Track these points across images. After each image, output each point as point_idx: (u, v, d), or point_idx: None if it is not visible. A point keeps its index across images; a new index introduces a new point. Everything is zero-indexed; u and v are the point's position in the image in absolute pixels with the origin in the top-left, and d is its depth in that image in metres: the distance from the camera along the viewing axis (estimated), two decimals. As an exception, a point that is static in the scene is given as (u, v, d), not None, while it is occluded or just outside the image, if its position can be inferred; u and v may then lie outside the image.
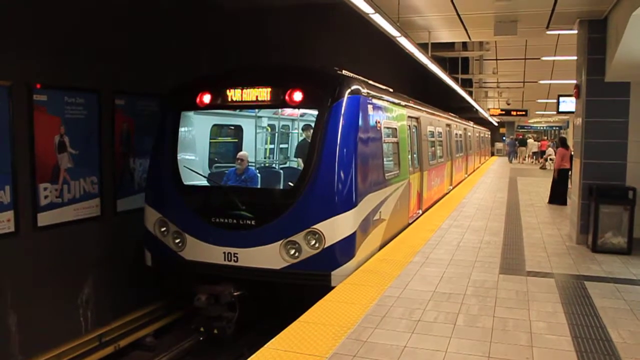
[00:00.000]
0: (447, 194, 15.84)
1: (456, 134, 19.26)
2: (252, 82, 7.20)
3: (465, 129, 22.66)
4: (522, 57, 19.60)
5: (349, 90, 7.00)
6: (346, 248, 6.64)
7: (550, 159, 25.28)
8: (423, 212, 11.65)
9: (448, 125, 17.11)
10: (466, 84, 24.81)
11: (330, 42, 14.22)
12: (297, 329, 4.88)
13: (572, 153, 11.67)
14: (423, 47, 11.49)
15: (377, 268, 6.98)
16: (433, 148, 13.84)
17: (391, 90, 9.74)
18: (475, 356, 4.34)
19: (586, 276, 6.89)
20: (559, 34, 12.87)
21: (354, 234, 6.69)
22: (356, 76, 7.76)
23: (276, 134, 10.84)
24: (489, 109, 35.66)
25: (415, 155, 11.17)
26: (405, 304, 5.62)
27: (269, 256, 6.61)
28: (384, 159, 8.24)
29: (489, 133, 40.21)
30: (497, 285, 6.35)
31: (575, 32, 9.23)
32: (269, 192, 7.74)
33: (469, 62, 23.07)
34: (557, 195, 13.98)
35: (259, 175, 8.29)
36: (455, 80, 18.51)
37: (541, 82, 23.95)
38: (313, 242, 6.51)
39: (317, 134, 6.83)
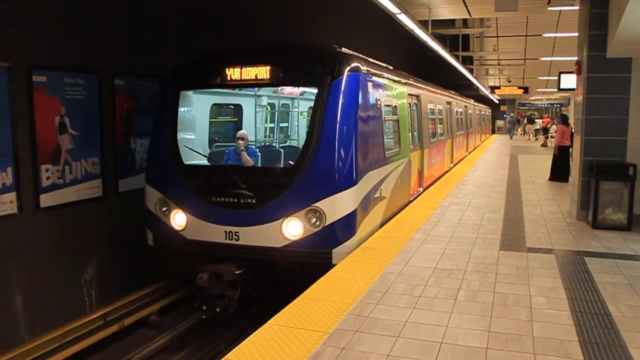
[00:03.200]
0: (447, 171, 15.74)
1: (457, 111, 19.07)
2: (251, 60, 7.11)
3: (465, 106, 22.43)
4: (523, 34, 19.51)
5: (348, 68, 6.91)
6: (347, 226, 6.62)
7: (552, 137, 25.27)
8: (424, 190, 11.63)
9: (448, 102, 16.93)
10: (467, 62, 24.71)
11: (329, 22, 14.11)
12: (300, 305, 4.94)
13: (573, 130, 11.66)
14: (423, 24, 11.43)
15: (379, 245, 7.03)
16: (433, 126, 13.71)
17: (391, 68, 9.66)
18: (476, 331, 4.40)
19: (586, 252, 6.93)
20: (560, 10, 12.79)
21: (354, 211, 6.67)
22: (356, 54, 7.67)
23: (276, 113, 10.82)
24: (489, 87, 35.50)
25: (415, 133, 11.09)
26: (406, 280, 5.67)
27: (270, 234, 6.61)
28: (384, 137, 8.18)
29: (490, 111, 39.99)
30: (497, 261, 6.40)
31: (577, 8, 9.17)
32: (269, 171, 7.74)
33: (470, 40, 22.97)
34: (558, 173, 13.99)
35: (259, 154, 8.25)
36: (456, 57, 18.44)
37: (542, 59, 23.88)
38: (314, 220, 6.50)
39: (316, 112, 6.78)
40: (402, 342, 4.20)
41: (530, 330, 4.40)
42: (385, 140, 8.19)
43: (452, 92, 19.58)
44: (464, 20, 18.99)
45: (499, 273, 5.93)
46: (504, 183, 13.44)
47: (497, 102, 45.79)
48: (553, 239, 7.61)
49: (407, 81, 10.50)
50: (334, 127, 6.60)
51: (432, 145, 12.87)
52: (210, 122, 8.90)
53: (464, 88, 27.83)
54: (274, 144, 10.10)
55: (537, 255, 6.72)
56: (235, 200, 6.77)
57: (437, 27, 17.20)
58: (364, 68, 7.31)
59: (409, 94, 10.43)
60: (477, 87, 30.46)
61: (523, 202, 10.68)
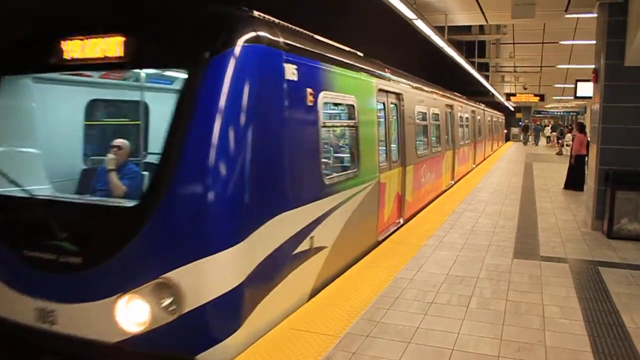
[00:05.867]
0: (446, 190, 13.17)
1: (461, 117, 16.33)
2: (98, 28, 4.43)
3: (473, 111, 19.75)
4: (539, 42, 19.40)
5: (245, 38, 4.20)
6: (225, 313, 4.04)
7: (567, 145, 25.08)
8: (406, 221, 8.97)
9: (449, 106, 14.07)
10: (482, 68, 24.63)
11: (343, 24, 14.11)
12: (311, 309, 4.94)
13: (589, 139, 11.57)
14: (439, 30, 11.42)
15: (391, 250, 7.01)
16: (425, 135, 11.03)
17: (360, 54, 7.22)
18: (487, 338, 4.38)
19: (600, 262, 6.87)
20: (577, 17, 12.71)
21: (239, 288, 4.02)
22: (269, 17, 4.84)
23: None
24: (505, 94, 35.35)
25: (394, 146, 8.57)
26: (418, 286, 5.66)
27: (98, 320, 4.06)
28: (324, 154, 5.71)
29: (503, 117, 38.51)
30: (510, 269, 6.36)
31: (595, 15, 9.10)
32: (104, 210, 4.42)
33: (486, 46, 22.90)
34: (574, 181, 13.87)
35: (144, 174, 5.40)
36: (472, 64, 18.39)
37: (559, 66, 23.73)
38: (167, 301, 3.90)
39: (181, 111, 4.00)
40: (413, 347, 4.19)
41: (543, 340, 4.37)
42: (325, 159, 5.71)
43: (457, 94, 16.81)
44: (481, 27, 18.94)
45: (512, 281, 5.89)
46: (518, 191, 13.35)
47: (512, 109, 45.55)
48: (567, 248, 7.54)
49: (378, 72, 7.71)
50: (208, 138, 3.90)
51: (421, 160, 10.16)
52: (87, 125, 6.03)
53: (480, 94, 27.72)
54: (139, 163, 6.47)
55: (550, 264, 6.67)
56: (52, 257, 4.19)
57: (454, 33, 17.17)
58: (277, 39, 4.59)
59: (381, 91, 7.68)
60: (493, 94, 30.32)
61: (537, 210, 10.60)
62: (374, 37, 15.69)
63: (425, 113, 10.82)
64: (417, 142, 10.09)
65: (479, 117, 21.56)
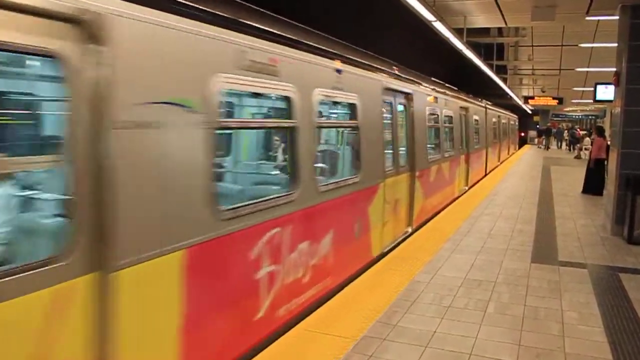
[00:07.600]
0: (398, 244, 7.53)
1: (437, 115, 10.52)
2: None
3: (465, 108, 14.03)
4: (559, 44, 19.24)
5: None
6: None
7: (586, 149, 24.82)
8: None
9: (404, 96, 8.25)
10: (501, 71, 24.48)
11: (364, 24, 14.09)
12: (328, 311, 4.93)
13: (609, 142, 11.43)
14: (458, 32, 11.36)
15: (408, 254, 6.97)
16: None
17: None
18: (505, 344, 4.33)
19: (621, 268, 6.77)
20: (598, 20, 12.58)
21: None
22: None
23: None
24: (523, 97, 35.05)
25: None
26: (435, 289, 5.62)
27: None
28: None
29: (516, 119, 33.68)
30: (528, 273, 6.29)
31: (616, 17, 9.00)
32: None
33: (504, 49, 22.77)
34: (592, 186, 13.70)
35: None
36: (490, 66, 18.28)
37: (578, 69, 23.51)
38: None
39: None
40: (430, 352, 4.16)
41: (562, 346, 4.32)
42: None
43: (434, 80, 10.90)
44: (499, 29, 18.83)
45: (530, 286, 5.83)
46: (536, 195, 13.22)
47: (529, 111, 45.10)
48: (586, 253, 7.45)
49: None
50: None
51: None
52: None
53: (497, 97, 27.50)
54: None
55: (569, 269, 6.58)
56: None
57: (472, 35, 17.09)
58: None
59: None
60: (510, 96, 30.09)
61: (555, 214, 10.49)
62: (395, 37, 15.66)
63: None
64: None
65: (476, 118, 15.85)
